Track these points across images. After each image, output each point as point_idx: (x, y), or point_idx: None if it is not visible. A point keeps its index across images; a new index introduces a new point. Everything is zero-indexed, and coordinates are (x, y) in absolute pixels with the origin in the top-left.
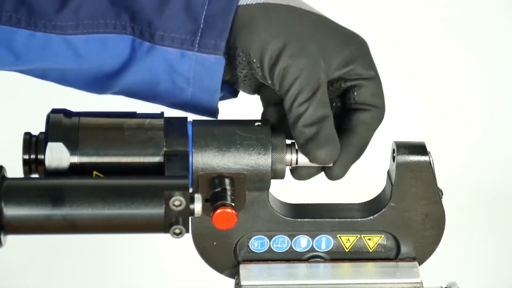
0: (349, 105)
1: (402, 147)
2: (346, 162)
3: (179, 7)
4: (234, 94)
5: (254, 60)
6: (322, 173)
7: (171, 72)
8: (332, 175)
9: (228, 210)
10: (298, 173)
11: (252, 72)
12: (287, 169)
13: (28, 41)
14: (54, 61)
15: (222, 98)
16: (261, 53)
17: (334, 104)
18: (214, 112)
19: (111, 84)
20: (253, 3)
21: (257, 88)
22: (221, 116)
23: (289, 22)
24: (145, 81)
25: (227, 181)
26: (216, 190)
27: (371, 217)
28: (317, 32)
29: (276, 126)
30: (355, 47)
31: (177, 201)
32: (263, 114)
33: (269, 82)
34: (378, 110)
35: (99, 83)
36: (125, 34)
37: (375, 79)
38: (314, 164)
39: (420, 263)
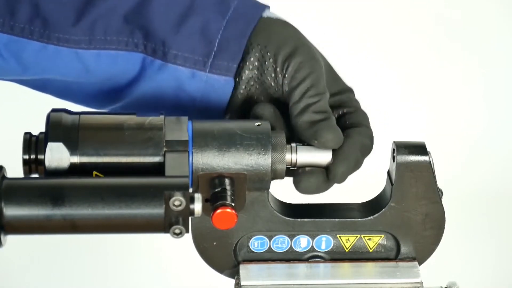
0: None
1: (402, 147)
2: (348, 161)
3: (195, 29)
4: None
5: (269, 53)
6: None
7: (179, 90)
8: (335, 175)
9: (228, 210)
10: (303, 183)
11: (260, 71)
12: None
13: (39, 53)
14: (62, 73)
15: None
16: (278, 47)
17: None
18: None
19: (114, 99)
20: (273, 17)
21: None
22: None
23: (302, 36)
24: (150, 98)
25: (227, 181)
26: (216, 190)
27: (371, 217)
28: (321, 56)
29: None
30: (344, 88)
31: (177, 201)
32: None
33: (278, 76)
34: (369, 130)
35: (102, 98)
36: (137, 52)
37: (364, 113)
38: (314, 165)
39: (420, 263)
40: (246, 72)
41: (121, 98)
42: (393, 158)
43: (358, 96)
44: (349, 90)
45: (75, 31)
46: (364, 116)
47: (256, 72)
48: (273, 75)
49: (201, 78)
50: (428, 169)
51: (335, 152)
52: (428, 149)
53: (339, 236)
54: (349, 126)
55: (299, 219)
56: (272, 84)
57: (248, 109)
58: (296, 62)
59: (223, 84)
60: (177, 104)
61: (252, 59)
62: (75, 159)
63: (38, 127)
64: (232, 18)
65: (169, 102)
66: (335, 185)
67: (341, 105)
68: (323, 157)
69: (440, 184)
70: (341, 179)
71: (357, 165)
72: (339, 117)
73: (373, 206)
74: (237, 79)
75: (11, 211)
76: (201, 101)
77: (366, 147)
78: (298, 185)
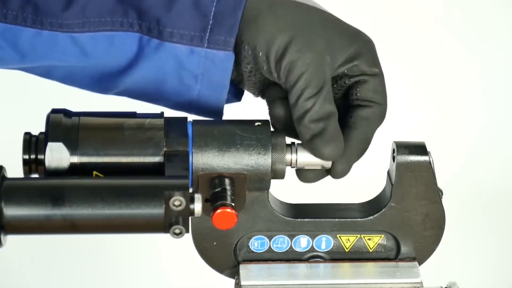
0: (351, 101)
1: (402, 147)
2: (349, 159)
3: (187, 4)
4: (238, 97)
5: (260, 54)
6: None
7: (180, 69)
8: (336, 172)
9: (228, 210)
10: (305, 175)
11: (257, 67)
12: (294, 172)
13: (34, 40)
14: (60, 59)
15: (226, 102)
16: (268, 47)
17: (336, 102)
18: (219, 112)
19: (117, 82)
20: None
21: (262, 88)
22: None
23: (295, 17)
24: (152, 79)
25: (227, 181)
26: (216, 190)
27: (371, 217)
28: (323, 28)
29: (284, 121)
30: (360, 44)
31: (177, 201)
32: (270, 111)
33: (275, 76)
34: (379, 106)
35: (105, 81)
36: (132, 32)
37: (379, 76)
38: (314, 165)
39: (420, 263)
40: (246, 65)
41: (123, 81)
42: (393, 158)
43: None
44: (365, 43)
45: (67, 15)
46: (376, 85)
47: (253, 65)
48: (270, 73)
49: (199, 54)
50: (428, 169)
51: None
52: (428, 149)
53: (339, 236)
54: (356, 104)
55: (299, 219)
56: (274, 76)
57: (262, 86)
58: (287, 64)
59: (223, 59)
60: (180, 83)
61: (246, 56)
62: (75, 159)
63: (38, 127)
64: None
65: (171, 82)
66: (335, 185)
67: (352, 75)
68: None
69: (440, 184)
70: (341, 176)
71: (360, 156)
72: (348, 91)
73: (373, 206)
74: (238, 71)
75: (11, 211)
76: (203, 78)
77: (371, 132)
78: (299, 176)
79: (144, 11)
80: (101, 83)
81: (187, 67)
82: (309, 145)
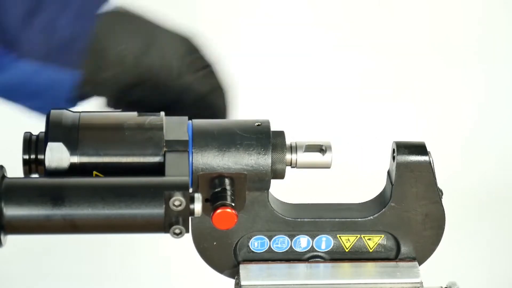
0: None
1: (402, 147)
2: None
3: (44, 24)
4: None
5: None
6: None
7: (34, 81)
8: None
9: (228, 210)
10: None
11: None
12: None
13: None
14: None
15: None
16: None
17: None
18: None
19: None
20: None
21: None
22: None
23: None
24: (12, 85)
25: (227, 181)
26: (216, 190)
27: (371, 217)
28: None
29: None
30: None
31: (177, 201)
32: None
33: None
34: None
35: None
36: None
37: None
38: (314, 165)
39: (420, 263)
40: None
41: None
42: (393, 158)
43: (359, 97)
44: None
45: None
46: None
47: None
48: None
49: (53, 70)
50: (428, 169)
51: None
52: (428, 149)
53: (339, 236)
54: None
55: (299, 219)
56: None
57: None
58: None
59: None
60: (34, 91)
61: None
62: (75, 159)
63: (38, 127)
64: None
65: (28, 89)
66: (335, 185)
67: (195, 62)
68: (324, 157)
69: (440, 184)
70: None
71: None
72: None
73: (373, 206)
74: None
75: (11, 211)
76: (52, 90)
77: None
78: None
79: (3, 24)
80: None
81: (40, 80)
82: None
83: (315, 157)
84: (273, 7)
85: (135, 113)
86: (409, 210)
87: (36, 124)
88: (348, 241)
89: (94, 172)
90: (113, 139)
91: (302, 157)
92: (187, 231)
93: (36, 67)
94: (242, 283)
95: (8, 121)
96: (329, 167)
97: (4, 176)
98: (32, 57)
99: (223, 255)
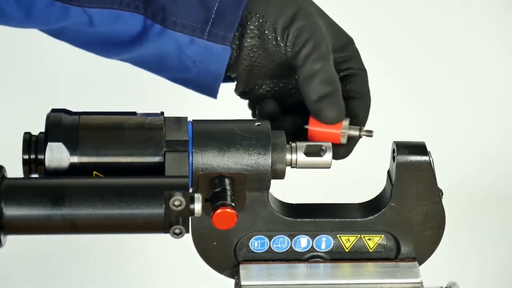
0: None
1: (402, 147)
2: (350, 144)
3: None
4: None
5: (268, 23)
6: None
7: (180, 52)
8: (341, 154)
9: (228, 210)
10: (337, 152)
11: (260, 41)
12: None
13: (48, 8)
14: (70, 24)
15: (222, 81)
16: (276, 17)
17: None
18: (214, 93)
19: (120, 52)
20: None
21: (251, 79)
22: (221, 117)
23: None
24: (154, 55)
25: (227, 181)
26: (216, 190)
27: (371, 217)
28: (322, 15)
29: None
30: (347, 40)
31: (177, 201)
32: (260, 108)
33: (280, 44)
34: (368, 98)
35: (109, 48)
36: (138, 13)
37: (365, 71)
38: (314, 165)
39: (420, 263)
40: (248, 40)
41: (127, 52)
42: (393, 158)
43: None
44: (351, 41)
45: None
46: (363, 79)
47: (257, 39)
48: (274, 43)
49: (199, 44)
50: (428, 169)
51: None
52: (428, 149)
53: (339, 236)
54: (347, 96)
55: (299, 219)
56: (275, 50)
57: (253, 75)
58: (295, 29)
59: (220, 51)
60: (180, 63)
61: (252, 27)
62: (75, 159)
63: (38, 127)
64: None
65: (172, 60)
66: (335, 185)
67: (345, 61)
68: (324, 158)
69: (440, 184)
70: (345, 157)
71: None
72: (342, 78)
73: (373, 206)
74: (238, 46)
75: (11, 211)
76: (201, 64)
77: (365, 121)
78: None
79: None
80: (105, 50)
81: (187, 53)
82: (316, 106)
83: (315, 157)
84: None
85: (135, 113)
86: (409, 210)
87: (36, 124)
88: (348, 241)
89: (94, 172)
90: (113, 139)
91: (302, 157)
92: (187, 231)
93: (184, 40)
94: (242, 283)
95: (8, 121)
96: (329, 167)
97: (4, 176)
98: (180, 30)
99: (223, 255)
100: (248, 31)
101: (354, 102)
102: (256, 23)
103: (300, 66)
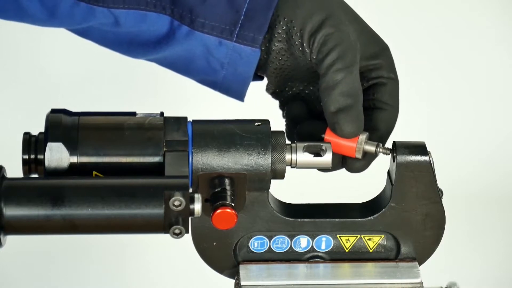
0: (366, 102)
1: (402, 147)
2: (369, 156)
3: None
4: (261, 77)
5: (295, 28)
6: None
7: (208, 54)
8: (356, 168)
9: (228, 210)
10: (352, 165)
11: (288, 45)
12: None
13: (73, 9)
14: (95, 23)
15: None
16: (304, 22)
17: None
18: (242, 96)
19: (146, 53)
20: None
21: (280, 80)
22: (221, 117)
23: (332, 2)
24: (181, 57)
25: (227, 181)
26: (216, 190)
27: (371, 217)
28: (355, 19)
29: (299, 121)
30: (381, 47)
31: (177, 201)
32: (288, 109)
33: (306, 51)
34: (394, 110)
35: (135, 49)
36: (164, 15)
37: (395, 81)
38: (314, 165)
39: (420, 263)
40: (276, 43)
41: (153, 53)
42: (393, 158)
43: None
44: (386, 48)
45: None
46: (392, 90)
47: (285, 43)
48: (300, 49)
49: (227, 46)
50: (428, 169)
51: None
52: (428, 149)
53: (339, 236)
54: (372, 106)
55: (299, 219)
56: (301, 56)
57: (283, 77)
58: (321, 36)
59: (249, 53)
60: (207, 65)
61: (280, 31)
62: (75, 159)
63: (38, 127)
64: None
65: (199, 62)
66: (335, 185)
67: (375, 69)
68: (324, 158)
69: (440, 184)
70: (361, 171)
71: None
72: (364, 92)
73: (373, 206)
74: (267, 49)
75: (11, 211)
76: (229, 66)
77: (388, 134)
78: (347, 167)
79: None
80: (131, 50)
81: (215, 55)
82: (332, 118)
83: (315, 157)
84: None
85: (135, 113)
86: (409, 210)
87: (36, 124)
88: (348, 241)
89: (94, 172)
90: (112, 139)
91: (302, 157)
92: (187, 231)
93: (213, 42)
94: (242, 283)
95: (8, 121)
96: (329, 167)
97: (4, 176)
98: (208, 32)
99: (223, 255)
100: (276, 35)
101: (378, 113)
102: (284, 27)
103: (323, 75)
